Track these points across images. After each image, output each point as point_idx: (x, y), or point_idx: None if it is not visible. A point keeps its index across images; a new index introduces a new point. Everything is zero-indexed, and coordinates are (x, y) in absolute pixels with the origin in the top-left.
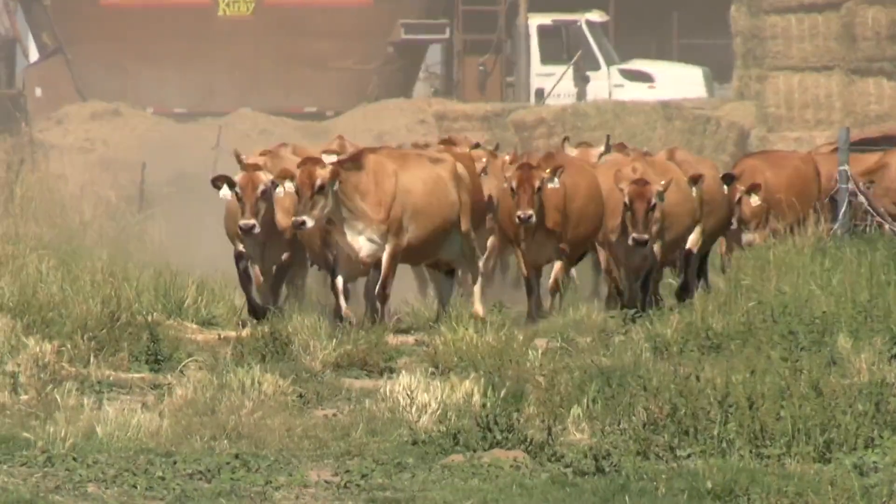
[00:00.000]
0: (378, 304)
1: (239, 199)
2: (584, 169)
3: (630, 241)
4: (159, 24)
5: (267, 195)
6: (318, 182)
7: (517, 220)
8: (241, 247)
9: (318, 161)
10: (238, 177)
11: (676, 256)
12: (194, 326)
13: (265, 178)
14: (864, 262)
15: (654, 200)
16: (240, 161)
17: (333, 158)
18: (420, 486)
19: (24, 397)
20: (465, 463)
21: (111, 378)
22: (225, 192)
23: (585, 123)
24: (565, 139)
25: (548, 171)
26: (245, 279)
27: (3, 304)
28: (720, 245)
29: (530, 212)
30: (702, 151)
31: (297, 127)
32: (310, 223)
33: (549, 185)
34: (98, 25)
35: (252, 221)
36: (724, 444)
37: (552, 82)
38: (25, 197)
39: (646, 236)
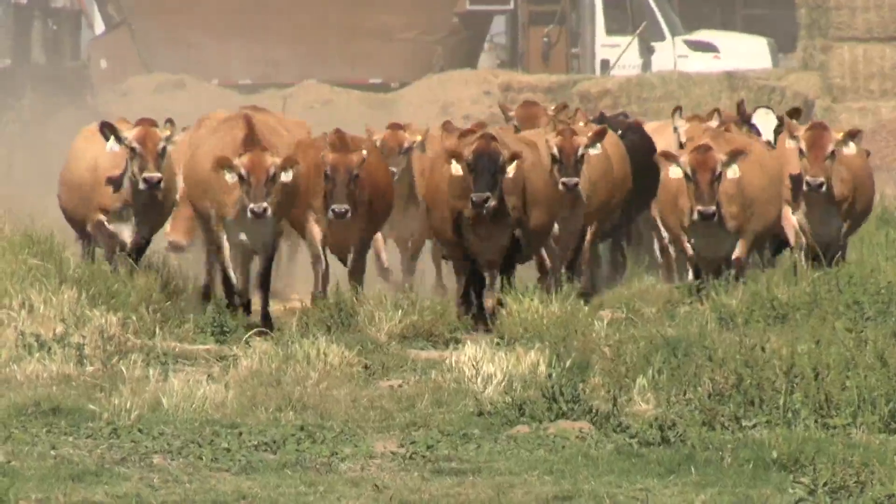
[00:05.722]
0: None
1: (135, 152)
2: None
3: (695, 216)
4: None
5: (165, 151)
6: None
7: (561, 186)
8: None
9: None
10: (132, 132)
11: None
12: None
13: (161, 133)
14: None
15: (719, 169)
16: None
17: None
18: (486, 458)
19: (89, 369)
20: (530, 434)
21: (176, 350)
22: (112, 144)
23: (651, 94)
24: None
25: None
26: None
27: (68, 276)
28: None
29: (576, 179)
30: None
31: (362, 98)
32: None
33: (592, 151)
34: None
35: (157, 175)
36: (790, 415)
37: (617, 53)
38: None
39: (712, 209)
